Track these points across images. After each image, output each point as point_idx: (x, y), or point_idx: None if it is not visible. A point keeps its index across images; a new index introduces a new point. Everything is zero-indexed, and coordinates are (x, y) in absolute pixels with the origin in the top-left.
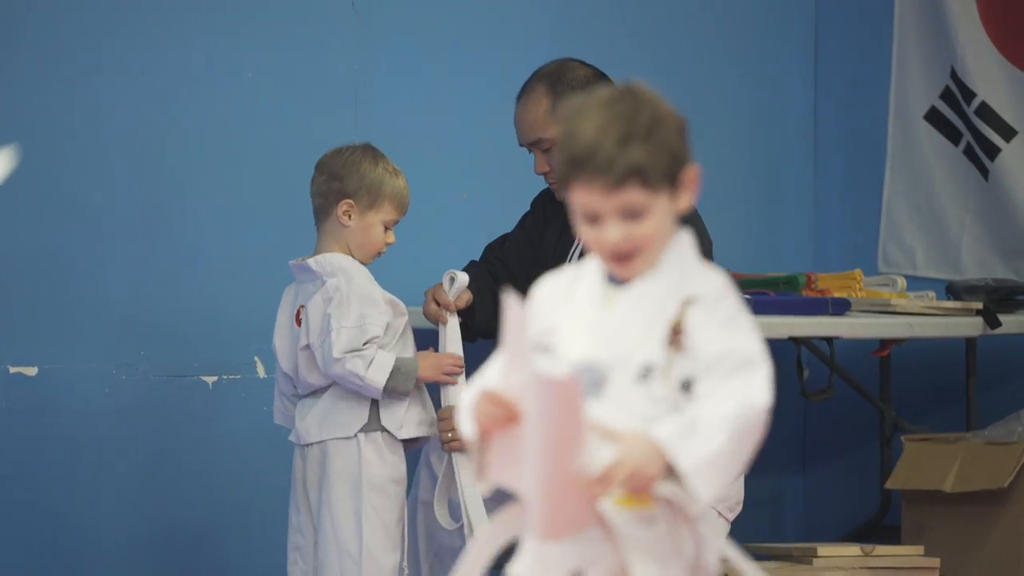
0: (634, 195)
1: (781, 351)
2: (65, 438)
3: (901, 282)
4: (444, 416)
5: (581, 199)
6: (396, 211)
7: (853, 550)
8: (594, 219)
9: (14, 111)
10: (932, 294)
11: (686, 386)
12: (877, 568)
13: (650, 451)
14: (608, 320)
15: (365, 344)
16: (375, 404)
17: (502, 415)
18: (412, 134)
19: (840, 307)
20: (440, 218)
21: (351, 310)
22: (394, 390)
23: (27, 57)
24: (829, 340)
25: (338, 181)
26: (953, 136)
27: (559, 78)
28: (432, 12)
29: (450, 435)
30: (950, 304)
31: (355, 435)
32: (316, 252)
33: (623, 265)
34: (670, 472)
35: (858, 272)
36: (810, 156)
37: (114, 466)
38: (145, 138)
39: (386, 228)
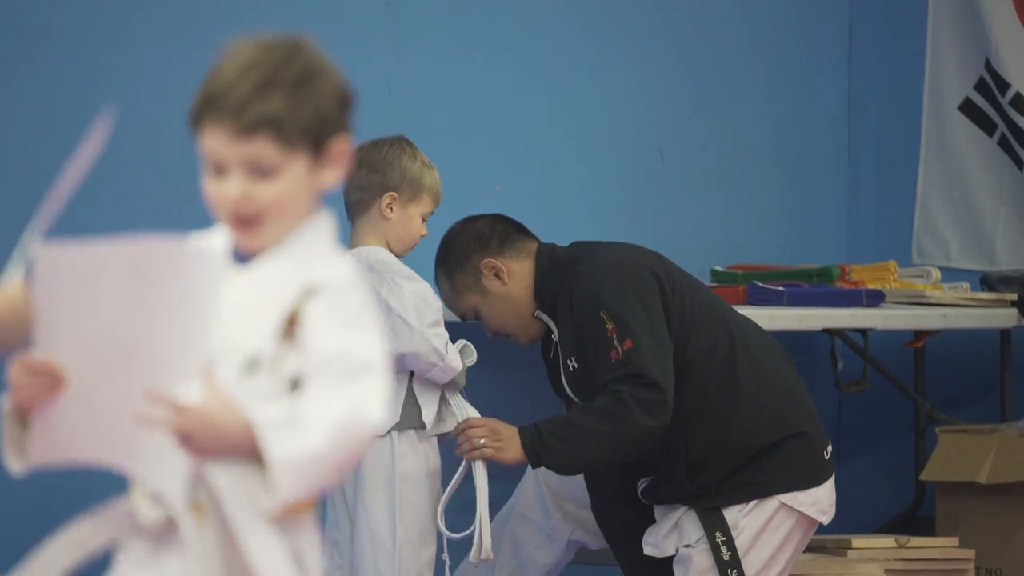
0: (264, 148)
1: (815, 343)
2: None
3: (935, 273)
4: (470, 425)
5: (207, 144)
6: (432, 204)
7: (887, 542)
8: (220, 171)
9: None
10: (966, 285)
11: (295, 384)
12: (911, 560)
13: (231, 420)
14: (221, 302)
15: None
16: (408, 402)
17: (44, 383)
18: (445, 127)
19: (874, 299)
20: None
21: (403, 290)
22: (455, 382)
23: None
24: (863, 332)
25: (380, 174)
26: (987, 127)
27: (445, 256)
28: (465, 4)
29: (468, 445)
30: (984, 295)
31: (387, 434)
32: (353, 245)
33: (245, 232)
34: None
35: (892, 263)
36: (844, 147)
37: None
38: (172, 135)
39: (422, 220)
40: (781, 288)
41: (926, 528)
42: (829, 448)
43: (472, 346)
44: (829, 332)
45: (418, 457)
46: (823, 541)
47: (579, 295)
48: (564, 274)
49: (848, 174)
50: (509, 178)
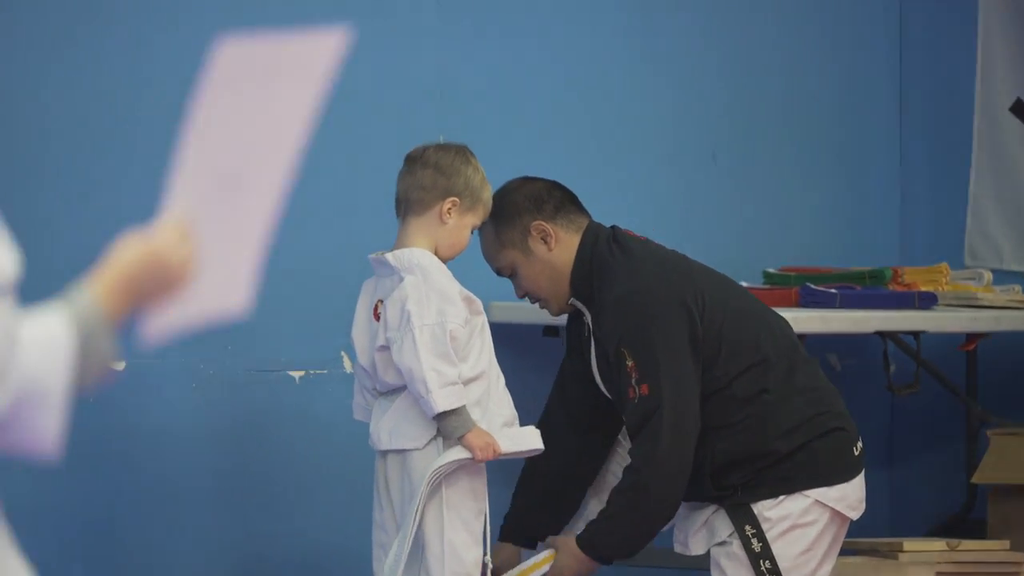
0: None
1: (867, 345)
2: (153, 433)
3: (987, 276)
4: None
5: None
6: (484, 217)
7: (939, 544)
8: None
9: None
10: (1018, 288)
11: None
12: (963, 563)
13: None
14: None
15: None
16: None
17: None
18: (494, 131)
19: (927, 301)
20: None
21: (430, 306)
22: (442, 423)
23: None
24: (916, 334)
25: (445, 178)
26: None
27: (497, 208)
28: (513, 5)
29: None
30: None
31: (434, 438)
32: (398, 245)
33: None
34: None
35: (944, 266)
36: (896, 149)
37: (202, 461)
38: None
39: (471, 231)
40: (833, 290)
41: (978, 531)
42: (859, 444)
43: (533, 437)
44: (881, 335)
45: (461, 472)
46: (874, 544)
47: (609, 315)
48: (600, 274)
49: (900, 176)
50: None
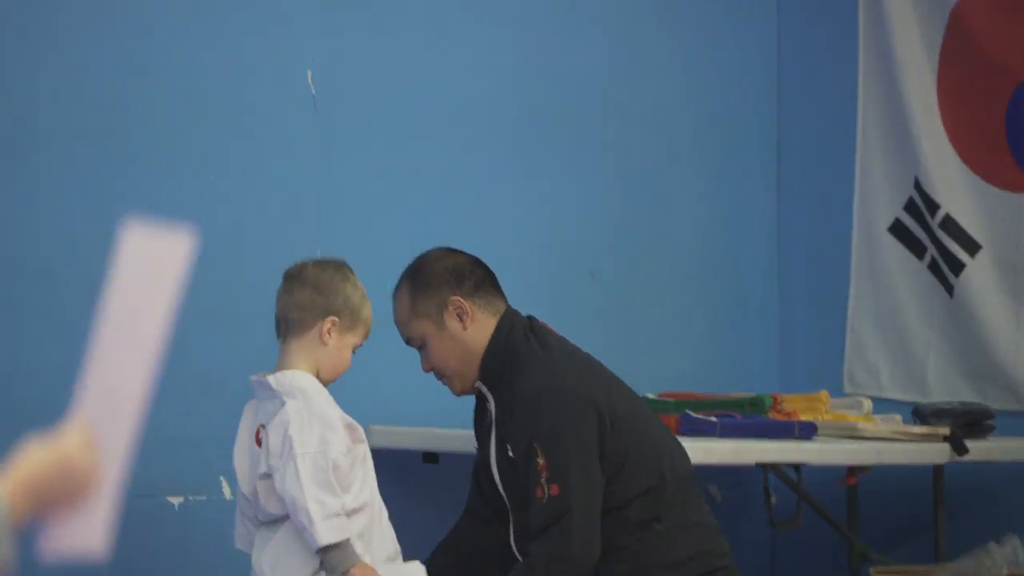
0: None
1: (747, 476)
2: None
3: (867, 404)
4: None
5: None
6: (364, 336)
7: None
8: None
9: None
10: (899, 417)
11: None
12: None
13: None
14: None
15: (327, 488)
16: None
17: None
18: (374, 243)
19: (807, 431)
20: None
21: (312, 433)
22: (326, 556)
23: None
24: (796, 467)
25: (324, 297)
26: (918, 250)
27: (414, 276)
28: (394, 114)
29: None
30: (917, 429)
31: None
32: (280, 367)
33: None
34: None
35: (824, 394)
36: (774, 270)
37: None
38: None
39: (352, 352)
40: (713, 419)
41: None
42: None
43: (418, 572)
44: (763, 466)
45: None
46: None
47: (519, 409)
48: (513, 363)
49: (779, 299)
50: None
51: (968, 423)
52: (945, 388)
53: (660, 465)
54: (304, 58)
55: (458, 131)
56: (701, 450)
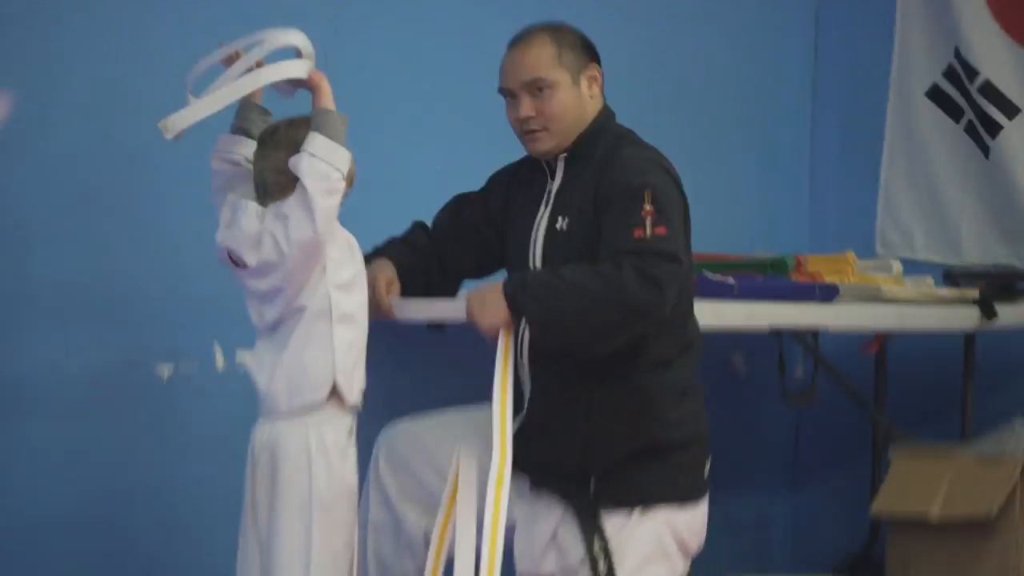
0: None
1: (768, 345)
2: (11, 432)
3: (897, 267)
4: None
5: None
6: (348, 188)
7: None
8: None
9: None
10: (930, 279)
11: None
12: None
13: None
14: None
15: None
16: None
17: None
18: (385, 100)
19: (828, 293)
20: (412, 189)
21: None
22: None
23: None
24: (813, 333)
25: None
26: (954, 113)
27: (560, 33)
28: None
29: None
30: (945, 292)
31: (316, 411)
32: None
33: None
34: None
35: (851, 255)
36: (807, 131)
37: (64, 463)
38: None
39: None
40: (731, 280)
41: (879, 570)
42: (709, 462)
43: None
44: (777, 332)
45: (333, 479)
46: None
47: (628, 165)
48: (612, 141)
49: (810, 159)
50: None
51: (1001, 286)
52: (980, 250)
53: (692, 315)
54: None
55: None
56: (712, 312)
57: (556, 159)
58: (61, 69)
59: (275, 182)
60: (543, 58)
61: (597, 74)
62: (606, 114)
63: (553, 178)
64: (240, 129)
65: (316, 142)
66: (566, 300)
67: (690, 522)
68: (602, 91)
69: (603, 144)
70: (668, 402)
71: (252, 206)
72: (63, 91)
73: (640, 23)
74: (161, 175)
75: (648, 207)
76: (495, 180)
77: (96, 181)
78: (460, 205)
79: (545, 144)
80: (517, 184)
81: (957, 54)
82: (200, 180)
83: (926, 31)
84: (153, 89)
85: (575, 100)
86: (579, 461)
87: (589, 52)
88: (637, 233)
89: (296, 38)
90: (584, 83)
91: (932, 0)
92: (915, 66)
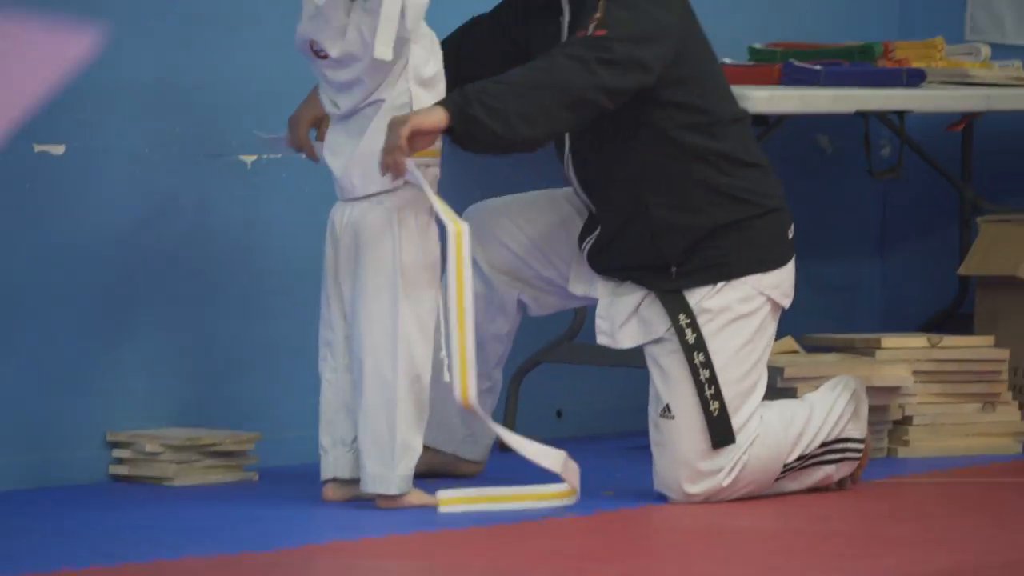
0: None
1: (860, 127)
2: (94, 222)
3: (985, 51)
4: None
5: None
6: None
7: (919, 341)
8: None
9: None
10: (1019, 64)
11: None
12: (943, 360)
13: None
14: None
15: None
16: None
17: None
18: None
19: (915, 78)
20: None
21: None
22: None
23: None
24: (900, 114)
25: None
26: None
27: None
28: None
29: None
30: None
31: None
32: None
33: None
34: None
35: (939, 40)
36: None
37: (146, 250)
38: None
39: None
40: (818, 67)
41: (967, 326)
42: (792, 228)
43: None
44: (863, 115)
45: (416, 251)
46: (852, 340)
47: None
48: None
49: None
50: None
51: None
52: None
53: (725, 96)
54: None
55: None
56: (798, 98)
57: None
58: None
59: None
60: None
61: None
62: None
63: (563, 13)
64: None
65: None
66: (502, 91)
67: (777, 283)
68: None
69: None
70: (723, 180)
71: None
72: None
73: None
74: None
75: (599, 15)
76: (508, 3)
77: None
78: (478, 26)
79: None
80: (536, 20)
81: None
82: None
83: None
84: None
85: None
86: (654, 256)
87: None
88: (579, 34)
89: None
90: None
91: None
92: None
